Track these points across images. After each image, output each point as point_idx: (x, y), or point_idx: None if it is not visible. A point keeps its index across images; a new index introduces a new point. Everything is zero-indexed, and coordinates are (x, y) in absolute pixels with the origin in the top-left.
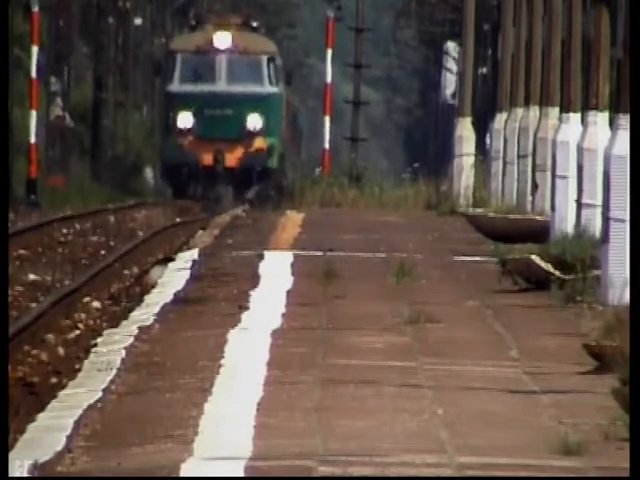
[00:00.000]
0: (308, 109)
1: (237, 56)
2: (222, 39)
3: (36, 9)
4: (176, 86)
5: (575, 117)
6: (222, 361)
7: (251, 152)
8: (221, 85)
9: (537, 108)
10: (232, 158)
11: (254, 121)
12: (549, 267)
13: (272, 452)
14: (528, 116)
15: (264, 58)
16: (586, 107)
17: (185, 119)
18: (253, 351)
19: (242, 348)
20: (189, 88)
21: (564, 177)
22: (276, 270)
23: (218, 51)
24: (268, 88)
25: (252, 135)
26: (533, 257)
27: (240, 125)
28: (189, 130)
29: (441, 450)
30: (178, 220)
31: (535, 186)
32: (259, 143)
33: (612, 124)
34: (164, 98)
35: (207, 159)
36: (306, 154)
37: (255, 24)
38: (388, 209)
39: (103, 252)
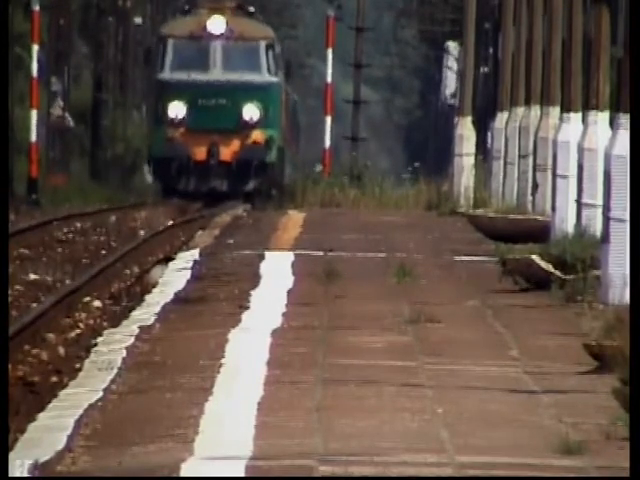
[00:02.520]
0: (308, 108)
1: (233, 42)
2: (217, 24)
3: (36, 8)
4: (167, 74)
5: (576, 117)
6: (223, 361)
7: (248, 145)
8: (216, 73)
9: (538, 108)
10: (227, 151)
11: (251, 112)
12: (549, 267)
13: (273, 452)
14: (529, 116)
15: (262, 44)
16: (586, 107)
17: (176, 109)
18: (254, 351)
19: (243, 348)
20: (181, 76)
21: (565, 177)
22: (277, 270)
23: (213, 36)
24: (266, 77)
25: (249, 127)
26: (533, 257)
27: (236, 116)
28: (181, 121)
29: (441, 449)
30: (172, 222)
31: (536, 186)
32: (257, 135)
33: (612, 124)
34: (154, 87)
35: (200, 153)
36: (306, 154)
37: (252, 9)
38: (388, 209)
39: (104, 252)
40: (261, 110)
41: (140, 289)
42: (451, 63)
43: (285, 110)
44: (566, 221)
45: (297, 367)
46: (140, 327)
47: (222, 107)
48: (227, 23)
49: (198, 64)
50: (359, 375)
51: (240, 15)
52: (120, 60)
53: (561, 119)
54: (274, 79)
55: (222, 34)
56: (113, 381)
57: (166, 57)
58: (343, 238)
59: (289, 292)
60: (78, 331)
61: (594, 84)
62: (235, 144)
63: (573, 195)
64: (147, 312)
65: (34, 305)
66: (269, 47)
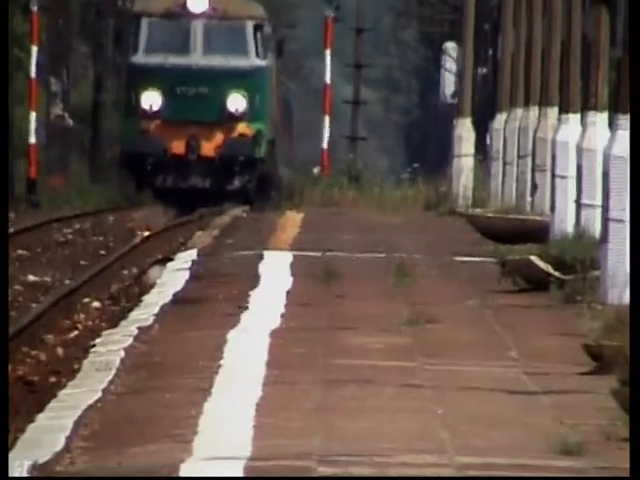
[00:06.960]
0: (307, 109)
1: (216, 22)
2: (198, 0)
3: (35, 8)
4: (141, 58)
5: (574, 117)
6: (221, 361)
7: (233, 139)
8: (196, 57)
9: (537, 108)
10: (209, 146)
11: (237, 101)
12: (549, 267)
13: (271, 452)
14: (528, 116)
15: (249, 24)
16: (585, 107)
17: (151, 98)
18: (252, 351)
19: (241, 348)
20: (157, 60)
21: (564, 177)
22: (276, 270)
23: (193, 15)
24: (254, 61)
25: (234, 118)
26: (533, 257)
27: (219, 106)
28: (156, 112)
29: (441, 450)
30: (171, 222)
31: (534, 186)
32: (243, 128)
33: (611, 124)
34: (126, 72)
35: (178, 147)
36: (304, 154)
37: None
38: (387, 209)
39: (102, 252)
40: (248, 99)
41: (138, 290)
42: (449, 65)
43: (276, 98)
44: (565, 222)
45: (296, 368)
46: (139, 328)
47: (203, 96)
48: (209, 0)
49: (176, 47)
50: (358, 376)
51: None
52: (120, 61)
53: (560, 120)
54: (263, 63)
55: (203, 12)
56: (112, 382)
57: (140, 38)
58: (342, 238)
59: (288, 292)
60: (77, 332)
61: (593, 85)
62: (218, 138)
63: (572, 196)
64: (145, 313)
65: (33, 306)
66: (257, 27)
